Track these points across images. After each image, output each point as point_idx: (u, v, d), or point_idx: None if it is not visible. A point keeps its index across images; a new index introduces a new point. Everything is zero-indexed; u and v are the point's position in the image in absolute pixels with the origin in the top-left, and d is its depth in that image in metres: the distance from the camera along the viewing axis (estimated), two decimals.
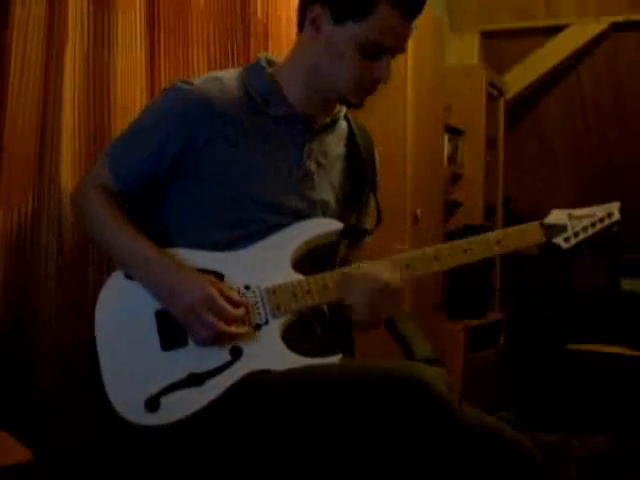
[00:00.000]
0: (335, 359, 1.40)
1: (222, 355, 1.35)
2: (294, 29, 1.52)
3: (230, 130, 1.43)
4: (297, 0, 1.49)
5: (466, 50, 4.51)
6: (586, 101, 4.61)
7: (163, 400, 1.33)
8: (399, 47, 1.42)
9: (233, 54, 2.02)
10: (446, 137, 3.71)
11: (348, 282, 1.40)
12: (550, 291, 4.37)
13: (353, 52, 1.39)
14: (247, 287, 1.40)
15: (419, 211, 3.12)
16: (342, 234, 1.50)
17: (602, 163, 4.68)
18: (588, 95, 4.59)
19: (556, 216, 1.51)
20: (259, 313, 1.38)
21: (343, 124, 1.59)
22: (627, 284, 4.41)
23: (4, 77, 1.57)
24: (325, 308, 1.52)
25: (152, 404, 1.33)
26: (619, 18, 4.19)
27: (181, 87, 1.44)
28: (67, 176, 1.63)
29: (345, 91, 1.44)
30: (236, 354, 1.36)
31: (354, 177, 1.57)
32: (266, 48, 2.07)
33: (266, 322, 1.38)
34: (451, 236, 3.02)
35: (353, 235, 1.58)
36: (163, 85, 1.84)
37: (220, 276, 1.40)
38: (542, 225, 1.50)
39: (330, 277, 1.41)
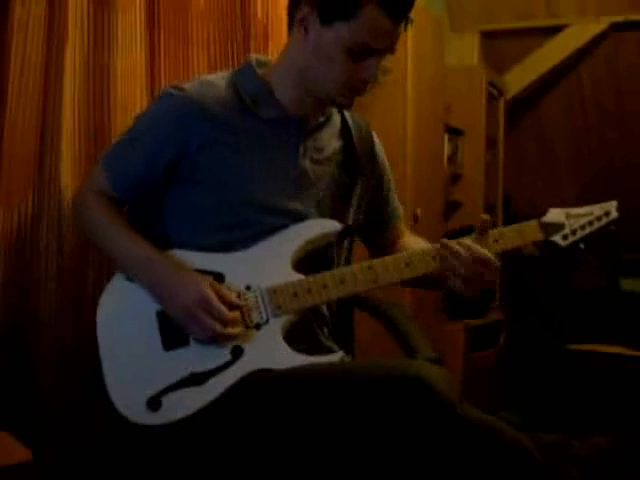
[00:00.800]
0: (335, 358, 1.40)
1: (223, 354, 1.36)
2: None
3: (224, 134, 1.43)
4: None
5: (466, 50, 4.51)
6: (586, 101, 4.61)
7: (165, 400, 1.33)
8: (388, 48, 1.41)
9: (233, 54, 2.02)
10: (446, 137, 3.71)
11: (455, 253, 1.40)
12: (550, 291, 4.37)
13: (341, 53, 1.38)
14: (248, 287, 1.40)
15: (419, 211, 3.12)
16: (341, 234, 1.50)
17: (602, 163, 4.68)
18: (588, 95, 4.59)
19: (554, 215, 1.51)
20: (260, 313, 1.39)
21: (337, 118, 1.59)
22: (627, 284, 4.41)
23: (4, 77, 1.57)
24: (325, 308, 1.52)
25: (154, 404, 1.33)
26: (619, 18, 4.19)
27: (173, 93, 1.45)
28: (67, 176, 1.64)
29: (333, 92, 1.43)
30: (237, 353, 1.36)
31: (351, 168, 1.57)
32: (266, 49, 2.07)
33: (267, 321, 1.38)
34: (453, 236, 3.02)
35: (366, 228, 1.60)
36: (163, 85, 1.84)
37: (221, 276, 1.40)
38: (540, 223, 1.50)
39: (330, 276, 1.41)
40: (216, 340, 1.35)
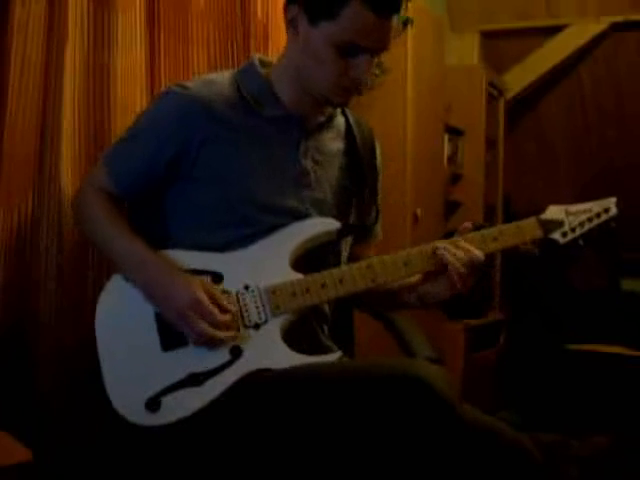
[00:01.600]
0: (334, 357, 1.40)
1: (222, 355, 1.35)
2: None
3: (225, 132, 1.43)
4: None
5: (466, 50, 4.51)
6: (586, 101, 4.61)
7: (164, 400, 1.33)
8: (378, 46, 1.39)
9: (233, 54, 2.02)
10: (446, 137, 3.71)
11: (453, 253, 1.41)
12: (550, 291, 4.37)
13: (330, 52, 1.37)
14: (246, 287, 1.40)
15: (419, 211, 3.12)
16: (340, 233, 1.50)
17: (602, 163, 4.68)
18: (588, 95, 4.59)
19: (553, 212, 1.51)
20: (259, 313, 1.38)
21: (340, 120, 1.58)
22: (627, 284, 4.42)
23: (4, 77, 1.57)
24: (326, 308, 1.52)
25: (153, 404, 1.33)
26: (619, 18, 4.19)
27: (176, 91, 1.45)
28: (67, 176, 1.63)
29: (326, 91, 1.43)
30: (236, 354, 1.36)
31: (353, 172, 1.57)
32: (266, 48, 2.07)
33: (266, 321, 1.38)
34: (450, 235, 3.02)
35: (356, 232, 1.58)
36: (163, 85, 1.84)
37: (219, 276, 1.40)
38: (539, 221, 1.49)
39: (329, 276, 1.41)
40: (209, 343, 1.35)
